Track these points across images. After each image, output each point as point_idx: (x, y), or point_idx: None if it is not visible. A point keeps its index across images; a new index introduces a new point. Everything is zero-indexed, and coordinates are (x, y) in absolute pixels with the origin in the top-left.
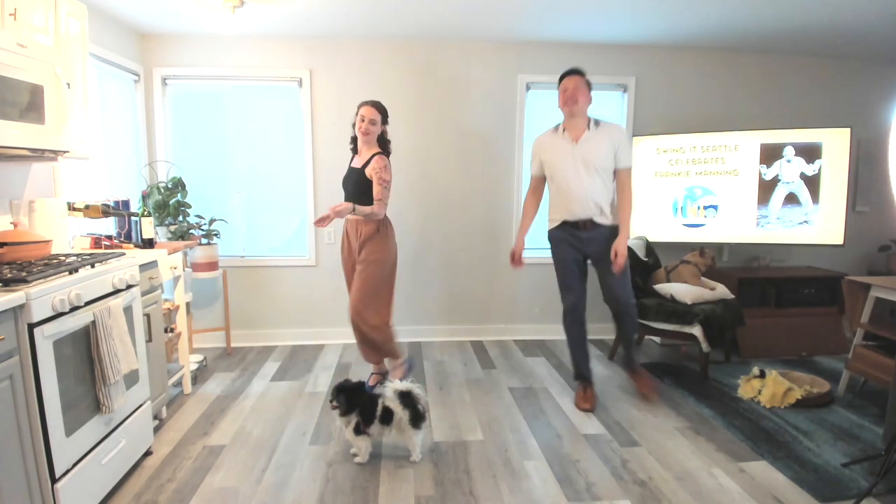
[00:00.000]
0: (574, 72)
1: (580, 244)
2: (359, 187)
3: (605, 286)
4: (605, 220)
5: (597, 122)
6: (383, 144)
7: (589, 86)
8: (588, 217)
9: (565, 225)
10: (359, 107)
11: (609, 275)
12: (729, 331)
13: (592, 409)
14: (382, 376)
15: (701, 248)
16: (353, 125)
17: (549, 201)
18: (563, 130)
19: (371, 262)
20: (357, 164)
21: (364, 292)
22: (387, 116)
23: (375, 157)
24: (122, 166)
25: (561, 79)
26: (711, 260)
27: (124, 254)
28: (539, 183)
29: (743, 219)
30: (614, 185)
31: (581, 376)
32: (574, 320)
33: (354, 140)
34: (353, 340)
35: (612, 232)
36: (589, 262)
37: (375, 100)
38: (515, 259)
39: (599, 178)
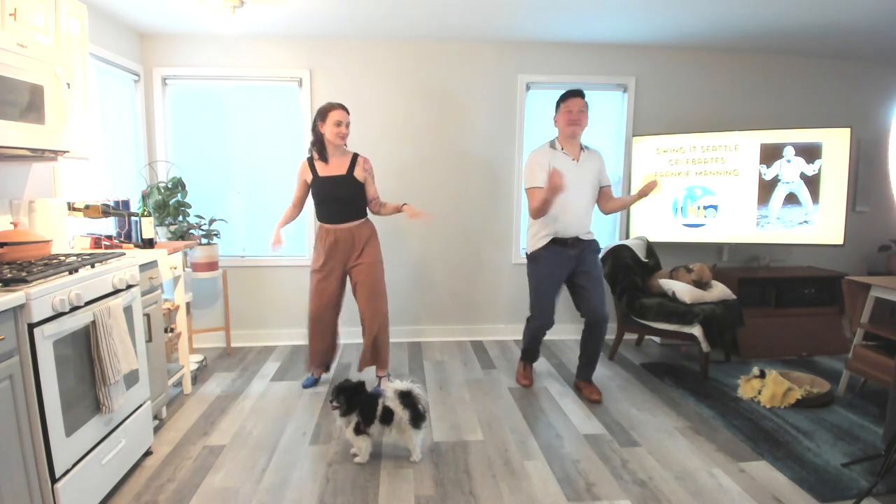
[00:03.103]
0: (580, 93)
1: (569, 262)
2: (354, 193)
3: (583, 299)
4: (588, 236)
5: (586, 146)
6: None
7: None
8: (576, 235)
9: (554, 243)
10: (327, 112)
11: (590, 288)
12: (729, 331)
13: (532, 384)
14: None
15: (687, 266)
16: (321, 134)
17: (531, 218)
18: (562, 148)
19: (377, 264)
20: (335, 171)
21: (382, 294)
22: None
23: (361, 159)
24: (122, 166)
25: (565, 97)
26: (696, 283)
27: (124, 254)
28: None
29: (743, 219)
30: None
31: (533, 357)
32: (543, 334)
33: (321, 149)
34: (353, 340)
35: (595, 245)
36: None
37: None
38: (555, 173)
39: (593, 197)
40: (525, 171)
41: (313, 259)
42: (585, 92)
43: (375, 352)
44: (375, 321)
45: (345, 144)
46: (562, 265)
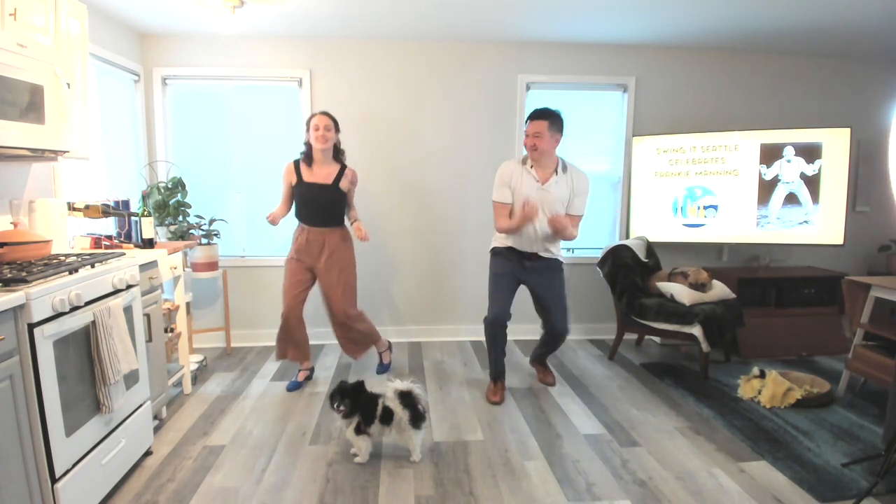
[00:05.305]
0: (539, 115)
1: (522, 271)
2: (335, 203)
3: (544, 314)
4: (549, 254)
5: (565, 167)
6: (338, 155)
7: (557, 128)
8: (535, 252)
9: (512, 250)
10: (309, 120)
11: (550, 305)
12: (729, 331)
13: (502, 401)
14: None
15: (683, 271)
16: (306, 142)
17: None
18: (531, 167)
19: (346, 267)
20: (319, 179)
21: (347, 294)
22: (338, 126)
23: (349, 171)
24: (122, 166)
25: (528, 118)
26: (693, 286)
27: (124, 254)
28: (508, 210)
29: (743, 219)
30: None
31: (498, 375)
32: (498, 329)
33: (308, 154)
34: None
35: (556, 264)
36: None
37: (324, 110)
38: (529, 206)
39: None
40: (495, 181)
41: (290, 251)
42: (583, 92)
43: (353, 342)
44: (337, 324)
45: (329, 149)
46: (514, 267)
